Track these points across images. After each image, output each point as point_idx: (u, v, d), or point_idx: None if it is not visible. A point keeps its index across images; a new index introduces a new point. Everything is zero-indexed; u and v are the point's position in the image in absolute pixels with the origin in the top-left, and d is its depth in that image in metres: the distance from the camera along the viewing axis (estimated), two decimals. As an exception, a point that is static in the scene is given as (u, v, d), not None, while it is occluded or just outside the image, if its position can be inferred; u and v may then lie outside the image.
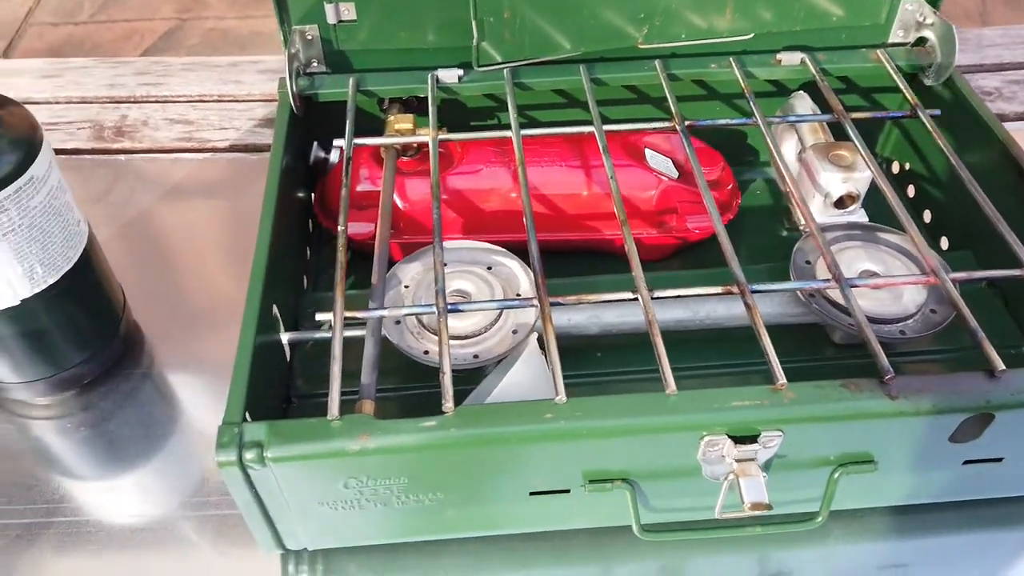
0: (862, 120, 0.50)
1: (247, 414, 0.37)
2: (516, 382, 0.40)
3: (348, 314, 0.40)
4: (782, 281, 0.43)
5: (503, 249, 0.48)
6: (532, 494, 0.39)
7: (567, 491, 0.39)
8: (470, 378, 0.45)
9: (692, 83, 0.57)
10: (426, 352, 0.43)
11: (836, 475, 0.39)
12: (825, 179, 0.49)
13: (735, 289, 0.40)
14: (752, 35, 0.56)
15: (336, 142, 0.50)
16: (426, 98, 0.53)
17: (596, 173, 0.54)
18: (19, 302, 0.44)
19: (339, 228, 0.44)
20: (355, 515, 0.39)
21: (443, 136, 0.50)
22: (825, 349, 0.48)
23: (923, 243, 0.42)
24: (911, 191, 0.59)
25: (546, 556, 0.44)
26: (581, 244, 0.55)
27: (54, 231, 0.44)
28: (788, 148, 0.54)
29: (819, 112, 0.54)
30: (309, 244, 0.56)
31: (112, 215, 0.62)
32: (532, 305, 0.40)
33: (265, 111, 0.72)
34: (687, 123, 0.50)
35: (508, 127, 0.50)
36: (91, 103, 0.72)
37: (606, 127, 0.50)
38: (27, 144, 0.41)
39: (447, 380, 0.37)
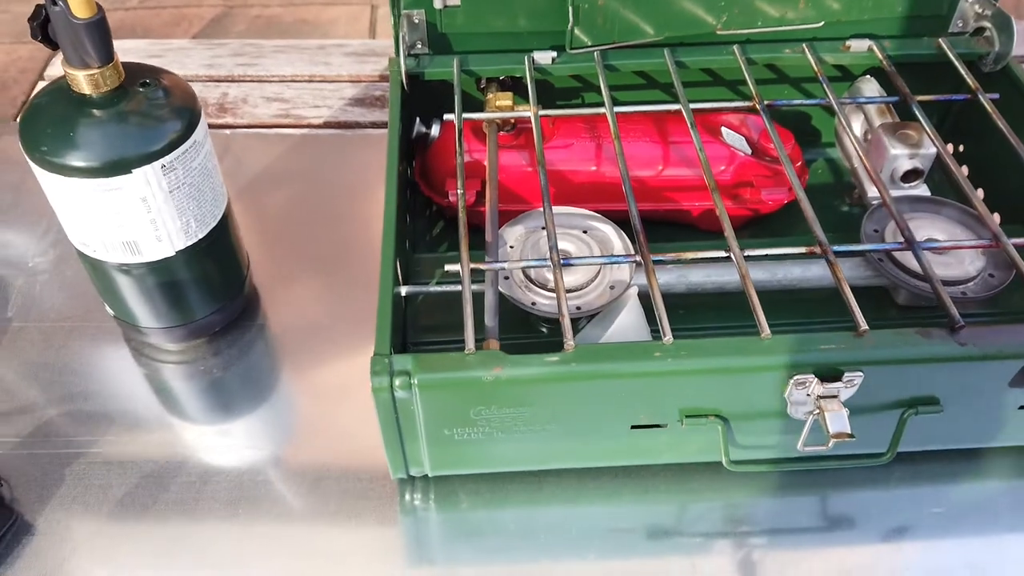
0: (925, 102, 0.54)
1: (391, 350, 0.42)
2: (621, 329, 0.45)
3: (473, 265, 0.45)
4: (859, 244, 0.48)
5: (597, 214, 0.53)
6: (633, 427, 0.44)
7: (664, 426, 0.44)
8: (576, 325, 0.50)
9: (764, 67, 0.61)
10: (533, 303, 0.49)
11: (905, 416, 0.44)
12: (893, 155, 0.54)
13: (818, 250, 0.45)
14: (822, 23, 0.60)
15: (446, 116, 0.55)
16: (519, 78, 0.58)
17: (676, 149, 0.58)
18: (174, 253, 0.50)
19: (458, 192, 0.49)
20: (476, 444, 0.44)
21: (543, 112, 0.55)
22: (889, 310, 0.53)
23: (985, 211, 0.47)
24: (965, 171, 0.63)
25: (635, 490, 0.49)
26: (661, 214, 0.59)
27: (206, 190, 0.49)
28: (855, 128, 0.59)
29: (885, 95, 0.58)
30: (409, 212, 0.61)
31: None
32: (635, 261, 0.45)
33: (354, 91, 0.77)
34: (766, 103, 0.55)
35: (594, 105, 0.55)
36: (192, 81, 0.78)
37: (694, 105, 0.55)
38: (190, 112, 0.47)
39: (566, 322, 0.42)
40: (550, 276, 0.49)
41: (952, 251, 0.49)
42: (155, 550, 0.47)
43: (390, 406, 0.42)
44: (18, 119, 0.52)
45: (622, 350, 0.41)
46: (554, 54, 0.59)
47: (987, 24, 0.59)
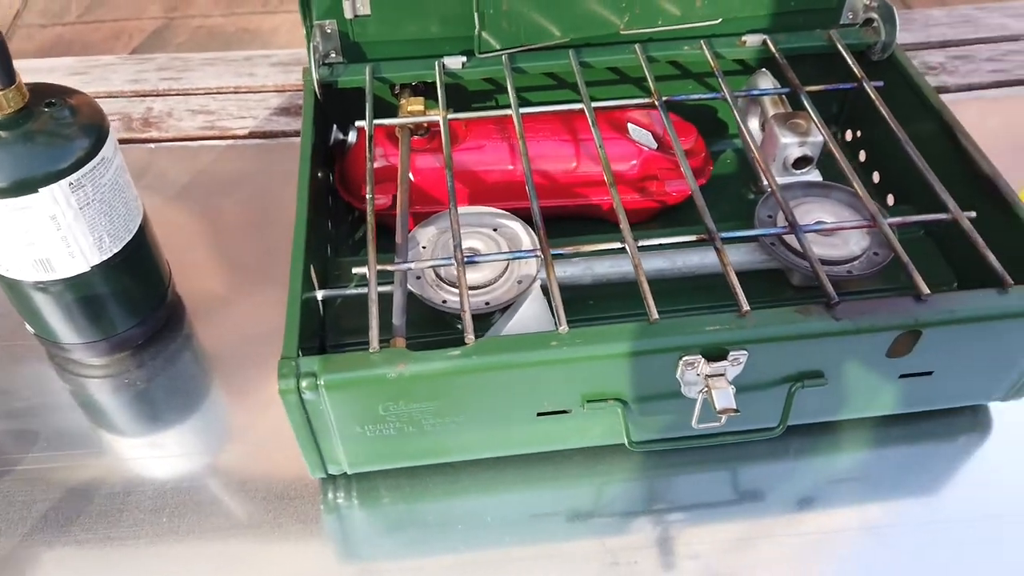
0: (816, 92, 0.57)
1: (299, 352, 0.44)
2: (523, 320, 0.47)
3: (380, 267, 0.47)
4: (747, 230, 0.50)
5: (507, 212, 0.55)
6: (539, 415, 0.46)
7: (569, 412, 0.46)
8: (481, 324, 0.52)
9: (668, 64, 0.64)
10: (444, 301, 0.50)
11: (793, 390, 0.46)
12: (783, 143, 0.56)
13: (707, 237, 0.48)
14: (720, 20, 0.63)
15: (358, 123, 0.56)
16: (433, 83, 0.60)
17: (584, 146, 0.61)
18: (89, 268, 0.50)
19: (367, 196, 0.50)
20: (389, 439, 0.46)
21: (452, 116, 0.57)
22: (785, 291, 0.56)
23: (865, 194, 0.50)
24: (862, 156, 0.66)
25: (549, 476, 0.51)
26: (573, 210, 0.62)
27: (118, 205, 0.50)
28: (754, 120, 0.62)
29: (779, 87, 0.61)
30: (330, 218, 0.63)
31: (147, 198, 0.69)
32: (536, 256, 0.47)
33: (279, 100, 0.78)
34: (664, 99, 0.57)
35: (507, 107, 0.57)
36: (118, 97, 0.78)
37: (594, 104, 0.57)
38: (98, 129, 0.48)
39: (467, 317, 0.44)
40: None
41: (838, 232, 0.52)
42: (77, 565, 0.47)
43: (299, 407, 0.43)
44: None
45: (519, 341, 0.43)
46: (464, 59, 0.61)
47: (874, 15, 0.62)
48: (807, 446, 0.52)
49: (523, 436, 0.48)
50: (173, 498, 0.50)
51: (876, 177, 0.65)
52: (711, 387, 0.43)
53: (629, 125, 0.62)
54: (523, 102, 0.65)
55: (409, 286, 0.50)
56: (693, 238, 0.48)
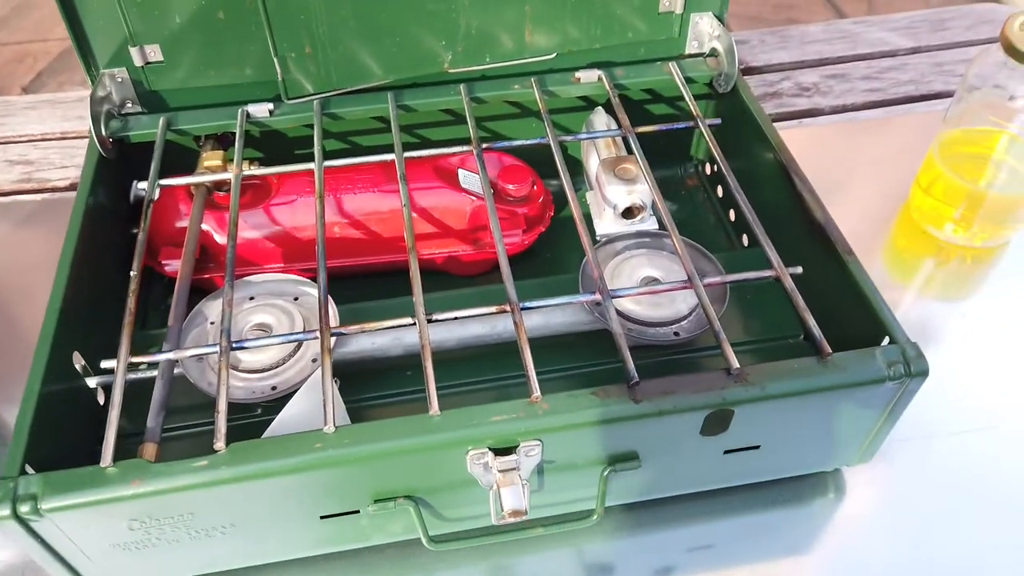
0: (648, 133, 0.53)
1: (27, 467, 0.38)
2: (297, 413, 0.42)
3: (134, 359, 0.41)
4: (569, 295, 0.46)
5: (310, 280, 0.50)
6: (323, 517, 0.41)
7: (357, 512, 0.41)
8: (278, 407, 0.46)
9: (507, 103, 0.59)
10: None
11: (605, 473, 0.42)
12: (611, 192, 0.52)
13: (507, 308, 0.43)
14: (555, 55, 0.58)
15: (138, 184, 0.51)
16: (247, 132, 0.54)
17: (411, 196, 0.56)
18: None
19: (131, 272, 0.45)
20: (152, 553, 0.40)
21: (247, 171, 0.51)
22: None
23: (683, 251, 0.45)
24: (720, 191, 0.63)
25: (354, 572, 0.46)
26: (402, 265, 0.57)
27: None
28: (593, 162, 0.57)
29: (615, 127, 0.56)
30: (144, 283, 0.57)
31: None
32: (314, 337, 0.42)
33: (108, 146, 0.72)
34: (484, 146, 0.52)
35: (332, 155, 0.52)
36: (-73, 148, 0.71)
37: (408, 153, 0.52)
38: None
39: (221, 419, 0.38)
40: (244, 357, 0.46)
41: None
42: None
43: (29, 534, 0.37)
44: None
45: (279, 446, 0.38)
46: (271, 106, 0.55)
47: (717, 45, 0.58)
48: (659, 517, 0.47)
49: (310, 539, 0.43)
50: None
51: (732, 215, 0.61)
52: (499, 484, 0.39)
53: (460, 172, 0.57)
54: (350, 148, 0.61)
55: (185, 369, 0.45)
56: (493, 309, 0.43)
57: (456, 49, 0.56)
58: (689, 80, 0.58)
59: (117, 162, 0.55)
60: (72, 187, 0.68)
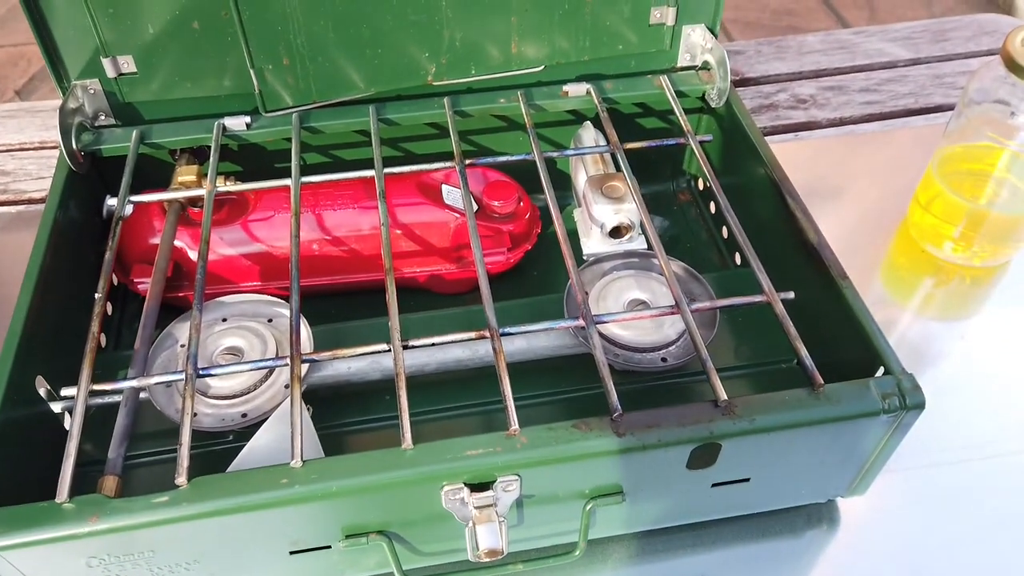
0: (637, 150, 0.51)
1: (-20, 501, 0.36)
2: (266, 443, 0.40)
3: (95, 387, 0.39)
4: (552, 319, 0.44)
5: (285, 300, 0.48)
6: (292, 553, 0.39)
7: (328, 547, 0.39)
8: (250, 433, 0.45)
9: (493, 117, 0.58)
10: (195, 415, 0.43)
11: (588, 507, 0.40)
12: (598, 211, 0.50)
13: (487, 333, 0.41)
14: (543, 67, 0.57)
15: (109, 200, 0.49)
16: (224, 146, 0.52)
17: (393, 213, 0.54)
18: None
19: (96, 295, 0.43)
20: (113, 589, 0.38)
21: (221, 188, 0.50)
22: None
23: (671, 273, 0.44)
24: (712, 208, 0.61)
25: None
26: (379, 284, 0.55)
27: None
28: (580, 179, 0.56)
29: (603, 142, 0.55)
30: (113, 300, 0.55)
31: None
32: (285, 364, 0.40)
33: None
34: (468, 161, 0.51)
35: (311, 171, 0.50)
36: (-99, 158, 0.70)
37: (389, 169, 0.50)
38: None
39: (184, 452, 0.37)
40: (213, 383, 0.44)
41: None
42: None
43: (-22, 571, 0.36)
44: None
45: (243, 481, 0.36)
46: (248, 119, 0.54)
47: (709, 58, 0.57)
48: (646, 548, 0.45)
49: (278, 574, 0.41)
50: None
51: (725, 232, 0.59)
52: (476, 521, 0.37)
53: (444, 188, 0.56)
54: (331, 163, 0.59)
55: (151, 396, 0.43)
56: (472, 335, 0.41)
57: (440, 61, 0.55)
58: (680, 94, 0.56)
59: (89, 176, 0.54)
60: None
